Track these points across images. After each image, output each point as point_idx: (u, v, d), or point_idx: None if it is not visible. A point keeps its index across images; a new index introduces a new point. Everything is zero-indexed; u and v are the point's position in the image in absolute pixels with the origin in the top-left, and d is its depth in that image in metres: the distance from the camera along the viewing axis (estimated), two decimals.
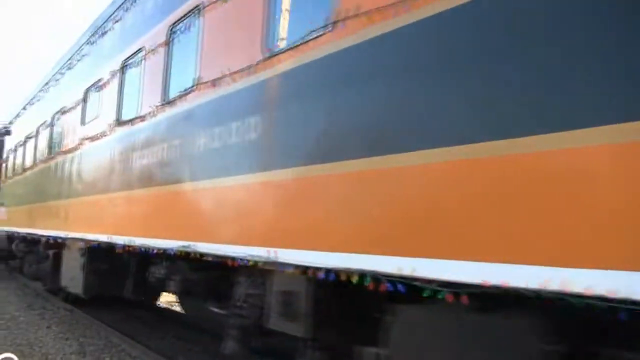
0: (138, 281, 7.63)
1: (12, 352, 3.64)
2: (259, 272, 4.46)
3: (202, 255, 4.85)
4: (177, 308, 10.30)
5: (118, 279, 8.23)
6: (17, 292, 13.05)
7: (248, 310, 4.72)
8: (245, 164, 4.47)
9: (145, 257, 6.74)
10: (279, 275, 4.21)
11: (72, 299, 10.42)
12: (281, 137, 4.15)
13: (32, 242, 12.65)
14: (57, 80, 11.19)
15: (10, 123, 16.50)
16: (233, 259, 4.44)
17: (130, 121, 6.97)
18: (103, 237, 7.40)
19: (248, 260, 4.22)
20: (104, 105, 8.12)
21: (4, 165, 16.91)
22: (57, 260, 10.68)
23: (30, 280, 13.52)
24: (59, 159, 10.16)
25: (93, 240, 7.79)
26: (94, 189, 8.14)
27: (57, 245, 10.16)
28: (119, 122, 7.40)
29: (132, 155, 6.77)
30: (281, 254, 3.91)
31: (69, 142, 9.64)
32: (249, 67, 4.54)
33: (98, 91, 8.44)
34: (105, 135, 7.81)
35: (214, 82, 5.03)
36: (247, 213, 4.45)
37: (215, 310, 5.19)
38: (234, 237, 4.57)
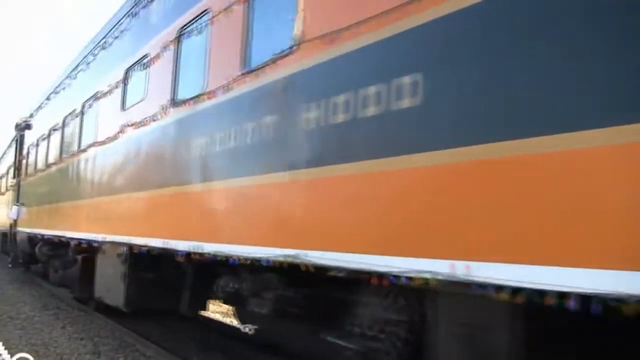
0: (198, 295, 6.40)
1: (27, 352, 3.43)
2: (407, 291, 3.20)
3: (323, 268, 3.57)
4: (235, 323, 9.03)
5: (169, 291, 7.02)
6: (32, 293, 12.97)
7: (389, 343, 3.44)
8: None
9: (208, 266, 5.51)
10: (451, 297, 2.94)
11: (104, 309, 9.28)
12: None
13: (57, 245, 11.45)
14: (88, 63, 9.95)
15: (31, 116, 15.31)
16: (381, 275, 3.14)
17: (192, 99, 5.71)
18: (156, 242, 6.14)
19: (410, 279, 2.93)
20: (152, 85, 6.87)
21: (23, 161, 15.72)
22: (89, 266, 9.44)
23: (55, 286, 12.33)
24: (92, 151, 8.92)
25: (142, 245, 6.53)
26: (140, 185, 6.89)
27: (90, 250, 8.94)
28: (175, 103, 6.14)
29: (197, 140, 5.51)
30: (476, 270, 2.62)
31: (104, 132, 8.39)
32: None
33: (144, 69, 7.18)
34: (154, 120, 6.55)
35: (331, 38, 3.75)
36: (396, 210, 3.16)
37: (331, 340, 3.89)
38: (372, 244, 3.28)
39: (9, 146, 20.39)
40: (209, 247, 5.01)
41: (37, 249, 12.75)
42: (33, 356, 3.51)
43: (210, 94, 5.36)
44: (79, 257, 9.76)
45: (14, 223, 15.81)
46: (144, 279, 7.32)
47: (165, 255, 6.22)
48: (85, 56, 10.43)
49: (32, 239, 13.51)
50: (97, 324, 9.25)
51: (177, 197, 5.87)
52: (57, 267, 11.58)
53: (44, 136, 12.98)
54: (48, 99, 13.11)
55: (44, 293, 13.00)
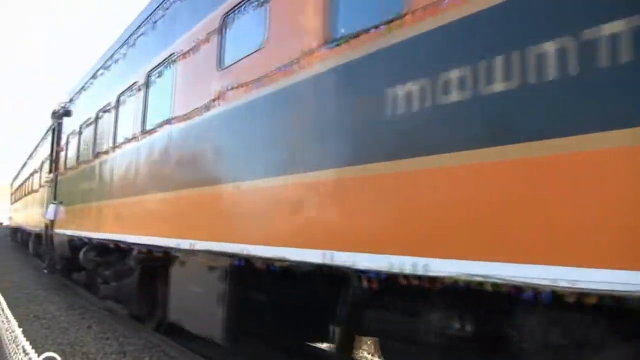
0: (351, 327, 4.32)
1: (54, 352, 2.94)
2: None
3: None
4: None
5: (293, 320, 4.97)
6: (59, 292, 13.09)
7: None
8: None
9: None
10: None
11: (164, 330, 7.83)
12: None
13: (108, 250, 9.45)
14: (155, 22, 7.88)
15: (70, 101, 13.35)
16: None
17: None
18: (302, 254, 4.03)
19: None
20: (276, 24, 4.76)
21: (62, 154, 13.77)
22: (159, 280, 7.48)
23: (102, 300, 10.34)
24: (165, 132, 6.86)
25: (271, 259, 4.41)
26: (254, 172, 4.81)
27: (158, 259, 6.91)
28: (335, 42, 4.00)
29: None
30: None
31: (185, 103, 6.34)
32: None
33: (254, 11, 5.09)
34: (292, 73, 4.41)
35: None
36: None
37: None
38: None
39: (43, 138, 18.50)
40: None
41: (81, 255, 10.76)
42: (59, 355, 3.20)
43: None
44: (142, 267, 7.78)
45: (51, 224, 13.88)
46: (253, 303, 5.26)
47: (290, 271, 4.26)
48: (143, 23, 8.40)
49: (74, 243, 11.54)
50: (123, 324, 9.27)
51: (312, 187, 3.77)
52: (107, 278, 9.56)
53: (90, 121, 10.99)
54: (94, 77, 11.10)
55: (70, 293, 13.03)
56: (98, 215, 9.65)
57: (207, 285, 5.75)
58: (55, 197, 13.75)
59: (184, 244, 5.96)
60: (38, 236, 17.72)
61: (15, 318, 4.22)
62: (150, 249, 6.95)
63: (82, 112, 11.92)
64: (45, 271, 15.17)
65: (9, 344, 3.79)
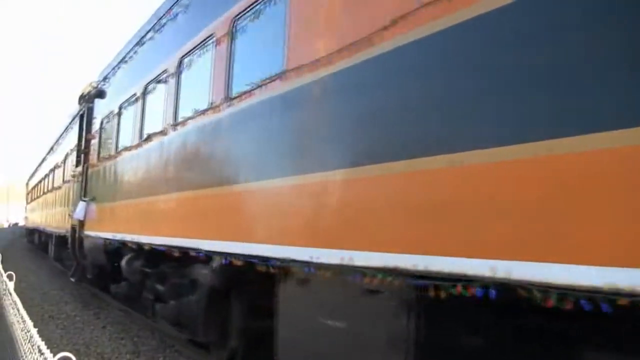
0: None
1: (68, 352, 2.78)
2: None
3: None
4: None
5: None
6: (73, 292, 13.06)
7: None
8: None
9: None
10: None
11: None
12: None
13: (160, 258, 7.40)
14: None
15: (104, 80, 11.29)
16: None
17: None
18: None
19: None
20: None
21: (93, 142, 11.72)
22: (242, 300, 5.45)
23: (154, 321, 8.27)
24: (244, 106, 4.79)
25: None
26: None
27: (261, 274, 4.79)
28: None
29: None
30: None
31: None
32: None
33: None
34: None
35: None
36: None
37: None
38: None
39: (67, 128, 16.47)
40: None
41: (123, 263, 8.69)
42: (74, 355, 2.75)
43: None
44: (226, 286, 5.73)
45: (80, 225, 11.85)
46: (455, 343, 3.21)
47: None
48: None
49: (112, 248, 9.48)
50: (137, 324, 9.19)
51: None
52: (162, 294, 7.47)
53: (134, 98, 8.91)
54: (140, 43, 9.01)
55: (85, 292, 12.94)
56: (151, 214, 7.56)
57: (363, 320, 3.67)
58: (85, 193, 11.70)
59: (320, 254, 3.84)
60: (61, 239, 15.70)
61: (30, 318, 4.09)
62: (248, 260, 4.82)
63: (121, 89, 9.83)
64: (72, 279, 13.14)
65: (24, 343, 3.72)
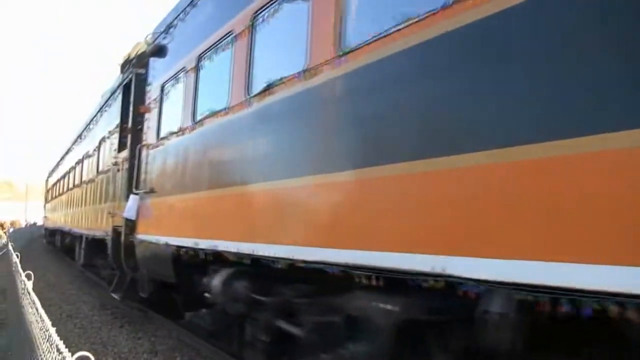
0: None
1: (86, 351, 2.65)
2: None
3: None
4: None
5: None
6: (91, 292, 13.20)
7: None
8: None
9: None
10: None
11: None
12: None
13: (285, 280, 4.61)
14: None
15: (168, 30, 8.36)
16: None
17: None
18: None
19: None
20: None
21: (148, 116, 8.82)
22: None
23: None
24: None
25: None
26: None
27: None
28: None
29: None
30: None
31: None
32: None
33: None
34: None
35: None
36: None
37: None
38: None
39: (102, 108, 13.53)
40: None
41: (216, 284, 5.74)
42: (92, 354, 2.67)
43: None
44: None
45: (129, 226, 8.97)
46: None
47: None
48: None
49: (188, 259, 6.59)
50: (155, 323, 9.22)
51: None
52: (301, 341, 4.59)
53: (225, 43, 6.01)
54: None
55: (102, 292, 12.66)
56: (267, 212, 4.69)
57: None
58: (137, 184, 8.80)
59: None
60: (95, 242, 12.85)
61: (48, 317, 3.87)
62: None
63: (201, 33, 6.90)
64: (115, 296, 10.24)
65: (43, 342, 3.60)
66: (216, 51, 6.29)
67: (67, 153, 22.78)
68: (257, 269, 5.14)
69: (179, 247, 6.71)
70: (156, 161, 8.20)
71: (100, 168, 12.73)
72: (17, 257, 10.17)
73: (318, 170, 4.19)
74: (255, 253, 4.75)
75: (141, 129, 9.08)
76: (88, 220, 14.04)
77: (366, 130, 3.76)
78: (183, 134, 7.09)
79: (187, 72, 7.17)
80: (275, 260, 4.45)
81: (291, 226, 4.46)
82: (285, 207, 4.55)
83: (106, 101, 12.76)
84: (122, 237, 9.44)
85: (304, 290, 4.78)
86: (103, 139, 12.75)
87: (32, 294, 5.33)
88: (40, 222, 51.24)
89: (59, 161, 26.20)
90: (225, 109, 5.83)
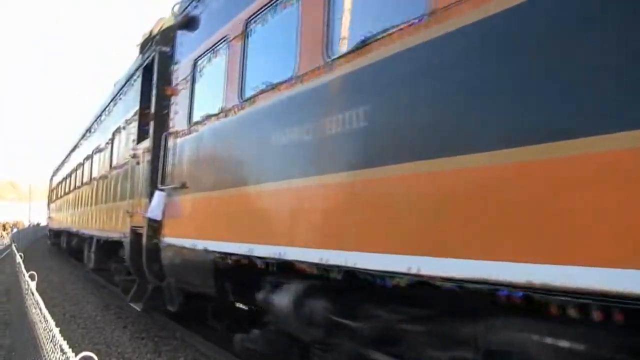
0: None
1: (90, 351, 2.62)
2: None
3: None
4: None
5: None
6: (95, 292, 13.24)
7: None
8: None
9: None
10: None
11: None
12: None
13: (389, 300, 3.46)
14: None
15: (196, 3, 7.10)
16: None
17: None
18: None
19: None
20: None
21: (175, 99, 7.57)
22: None
23: None
24: None
25: None
26: None
27: None
28: None
29: None
30: None
31: None
32: None
33: None
34: None
35: None
36: None
37: None
38: None
39: (116, 97, 12.25)
40: None
41: (286, 303, 4.46)
42: (96, 355, 2.65)
43: None
44: None
45: (153, 227, 7.74)
46: None
47: None
48: None
49: (233, 269, 5.34)
50: (159, 324, 9.10)
51: None
52: None
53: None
54: None
55: (107, 293, 13.00)
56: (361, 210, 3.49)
57: None
58: (162, 178, 7.57)
59: None
60: (108, 245, 11.64)
61: (52, 318, 3.83)
62: None
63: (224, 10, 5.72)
64: (136, 306, 8.99)
65: (47, 343, 3.59)
66: (274, 10, 5.04)
67: (74, 149, 21.46)
68: (337, 284, 3.90)
69: (224, 254, 5.46)
70: (188, 150, 6.95)
71: (115, 162, 11.48)
72: (21, 257, 10.07)
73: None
74: (356, 266, 3.49)
75: (167, 115, 7.83)
76: (100, 220, 12.79)
77: None
78: (226, 115, 5.84)
79: (230, 41, 5.92)
80: (392, 276, 3.20)
81: (419, 228, 3.21)
82: (409, 202, 3.29)
83: (121, 88, 11.49)
84: (144, 240, 8.22)
85: (414, 314, 3.55)
86: (117, 131, 11.50)
87: (36, 294, 5.23)
88: (44, 223, 50.39)
89: (65, 158, 24.85)
90: (290, 79, 4.58)
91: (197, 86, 6.93)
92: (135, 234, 8.95)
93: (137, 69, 9.84)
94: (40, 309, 4.44)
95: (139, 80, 9.55)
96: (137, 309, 8.73)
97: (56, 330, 3.31)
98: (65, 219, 21.83)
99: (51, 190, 32.48)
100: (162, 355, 7.31)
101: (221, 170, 5.92)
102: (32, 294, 5.44)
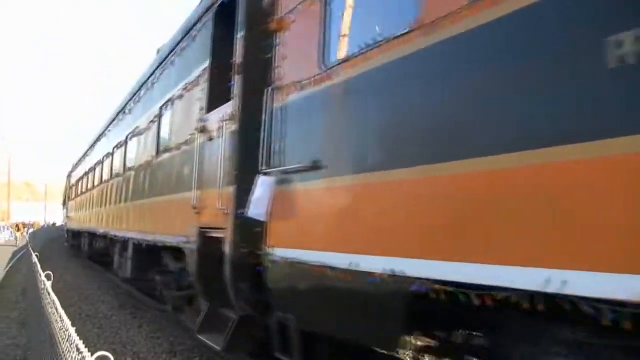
0: None
1: (106, 351, 2.67)
2: None
3: None
4: None
5: None
6: (110, 292, 13.15)
7: None
8: None
9: None
10: None
11: None
12: None
13: None
14: None
15: None
16: None
17: None
18: None
19: None
20: None
21: (286, 37, 4.91)
22: None
23: None
24: None
25: None
26: None
27: None
28: None
29: None
30: None
31: None
32: None
33: None
34: None
35: None
36: None
37: None
38: None
39: (169, 58, 9.31)
40: None
41: None
42: (112, 354, 2.65)
43: None
44: None
45: (255, 230, 5.08)
46: None
47: None
48: None
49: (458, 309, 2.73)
50: (174, 324, 8.96)
51: None
52: None
53: None
54: None
55: (122, 292, 13.04)
56: None
57: None
58: (267, 158, 4.90)
59: None
60: (151, 250, 9.05)
61: (68, 317, 3.79)
62: None
63: None
64: (212, 343, 6.23)
65: (63, 342, 3.59)
66: None
67: (98, 139, 18.80)
68: None
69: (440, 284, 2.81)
70: (324, 108, 4.31)
71: (166, 145, 8.81)
72: (37, 257, 10.02)
73: None
74: None
75: (267, 62, 5.18)
76: (140, 219, 10.19)
77: None
78: (427, 36, 3.18)
79: None
80: None
81: None
82: None
83: (174, 48, 8.79)
84: (227, 249, 5.61)
85: None
86: (168, 104, 8.83)
87: (52, 294, 5.18)
88: (60, 223, 49.04)
89: (87, 150, 22.03)
90: None
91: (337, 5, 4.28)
92: (207, 239, 6.36)
93: (204, 13, 7.18)
94: (57, 309, 4.39)
95: (209, 27, 6.90)
96: (216, 347, 6.02)
97: (72, 330, 3.28)
98: (88, 218, 19.11)
99: (69, 188, 29.76)
100: (178, 355, 7.20)
101: (406, 135, 3.30)
102: (49, 294, 5.39)
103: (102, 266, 17.65)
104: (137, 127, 11.31)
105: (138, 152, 11.07)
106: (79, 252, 23.41)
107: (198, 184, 6.72)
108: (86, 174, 21.15)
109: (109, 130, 16.28)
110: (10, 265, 18.84)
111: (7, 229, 48.54)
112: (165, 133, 8.95)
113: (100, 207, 15.94)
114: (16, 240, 40.06)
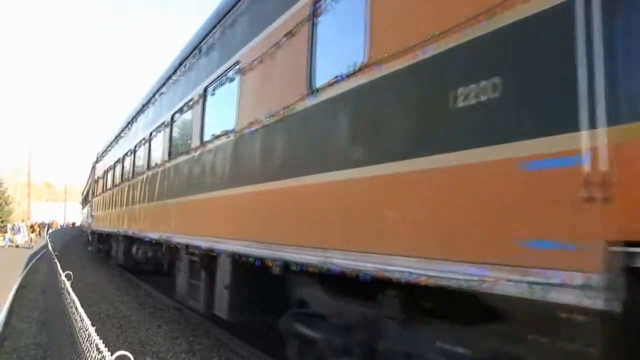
0: None
1: (125, 350, 2.79)
2: None
3: None
4: None
5: None
6: (129, 292, 13.12)
7: None
8: None
9: None
10: None
11: None
12: None
13: None
14: None
15: None
16: None
17: None
18: None
19: None
20: None
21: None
22: None
23: None
24: None
25: None
26: None
27: None
28: None
29: None
30: None
31: None
32: None
33: None
34: None
35: None
36: None
37: None
38: None
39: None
40: None
41: None
42: (131, 354, 2.77)
43: None
44: None
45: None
46: None
47: None
48: None
49: None
50: (192, 323, 9.08)
51: None
52: None
53: None
54: None
55: (141, 292, 13.10)
56: None
57: None
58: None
59: None
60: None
61: (88, 317, 3.91)
62: None
63: None
64: None
65: (82, 342, 3.73)
66: None
67: (130, 123, 14.83)
68: None
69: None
70: None
71: (269, 111, 5.73)
72: (57, 257, 10.18)
73: None
74: None
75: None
76: (232, 220, 5.38)
77: None
78: None
79: None
80: None
81: None
82: None
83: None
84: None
85: None
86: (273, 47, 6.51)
87: (72, 294, 5.23)
88: (79, 222, 46.80)
89: (120, 133, 16.99)
90: None
91: None
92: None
93: None
94: (76, 308, 4.36)
95: None
96: None
97: (92, 330, 3.30)
98: (121, 218, 14.47)
99: (94, 181, 24.31)
100: (196, 354, 7.19)
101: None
102: (68, 294, 5.40)
103: (147, 284, 14.53)
104: (191, 99, 8.92)
105: (226, 123, 6.62)
106: (108, 258, 19.53)
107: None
108: (117, 162, 16.42)
109: (143, 113, 13.12)
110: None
111: (21, 230, 39.55)
112: (270, 99, 6.68)
113: (136, 204, 12.04)
114: (30, 242, 36.38)
